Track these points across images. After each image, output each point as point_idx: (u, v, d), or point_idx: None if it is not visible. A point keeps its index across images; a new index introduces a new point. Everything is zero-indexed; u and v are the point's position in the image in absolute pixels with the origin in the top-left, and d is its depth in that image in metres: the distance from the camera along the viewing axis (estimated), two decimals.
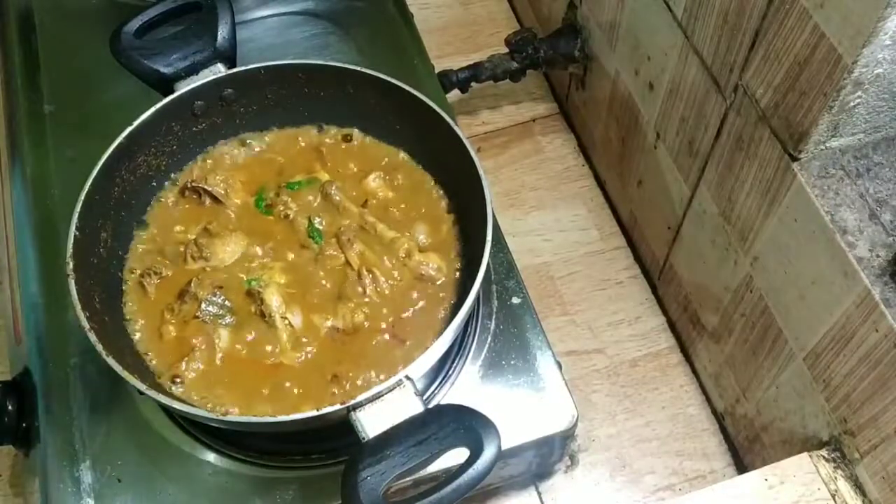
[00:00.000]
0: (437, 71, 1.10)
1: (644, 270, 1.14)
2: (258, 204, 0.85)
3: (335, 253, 0.81)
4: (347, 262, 0.80)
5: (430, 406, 0.74)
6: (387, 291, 0.79)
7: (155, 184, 0.85)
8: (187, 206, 0.85)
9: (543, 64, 1.16)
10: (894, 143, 0.72)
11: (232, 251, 0.81)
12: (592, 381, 1.05)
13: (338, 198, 0.84)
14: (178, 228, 0.84)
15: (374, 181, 0.85)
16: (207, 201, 0.85)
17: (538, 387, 0.83)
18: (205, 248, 0.80)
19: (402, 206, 0.85)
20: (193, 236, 0.82)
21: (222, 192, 0.84)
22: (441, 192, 0.86)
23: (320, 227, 0.83)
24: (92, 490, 0.78)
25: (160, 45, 0.83)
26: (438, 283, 0.80)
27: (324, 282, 0.80)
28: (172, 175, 0.86)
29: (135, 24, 0.84)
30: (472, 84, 1.17)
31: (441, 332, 0.71)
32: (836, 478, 0.77)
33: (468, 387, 0.83)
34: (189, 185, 0.85)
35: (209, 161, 0.87)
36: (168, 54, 0.82)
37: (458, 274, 0.81)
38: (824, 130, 0.69)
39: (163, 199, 0.85)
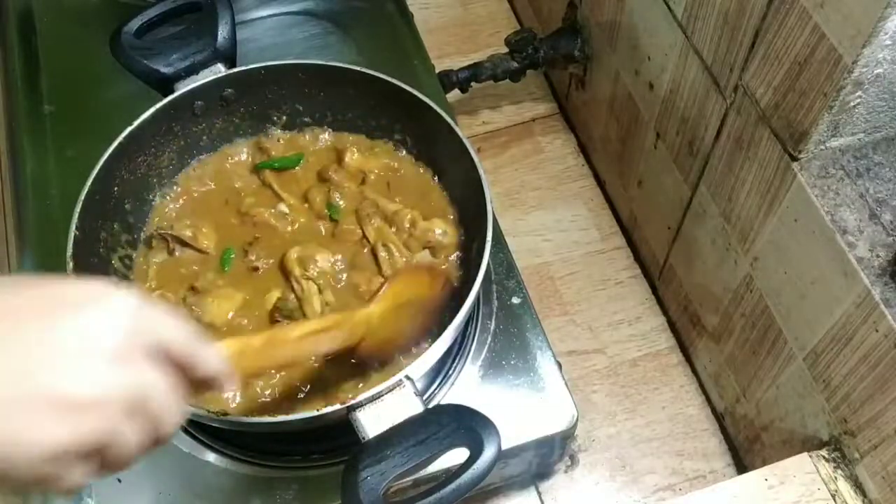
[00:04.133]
0: (437, 71, 1.10)
1: (644, 270, 1.14)
2: (224, 264, 0.81)
3: (352, 227, 0.82)
4: (364, 237, 0.82)
5: (430, 406, 0.74)
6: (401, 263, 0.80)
7: (155, 184, 0.85)
8: (160, 259, 0.82)
9: (543, 64, 1.16)
10: (894, 143, 0.72)
11: (225, 309, 0.78)
12: (592, 381, 1.05)
13: (336, 177, 0.84)
14: (156, 289, 0.80)
15: (351, 158, 0.85)
16: (177, 250, 0.82)
17: (538, 387, 0.83)
18: (195, 307, 0.78)
19: (399, 184, 0.85)
20: (182, 294, 0.79)
21: (191, 235, 0.81)
22: (442, 190, 0.86)
23: (340, 204, 0.83)
24: (92, 490, 0.78)
25: (160, 45, 0.83)
26: (449, 253, 0.81)
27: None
28: (172, 176, 0.86)
29: (135, 24, 0.84)
30: (472, 84, 1.17)
31: (441, 332, 0.71)
32: (836, 478, 0.77)
33: (468, 387, 0.83)
34: (156, 234, 0.82)
35: (208, 164, 0.87)
36: (168, 54, 0.82)
37: (460, 263, 0.81)
38: (824, 130, 0.69)
39: (136, 258, 0.82)
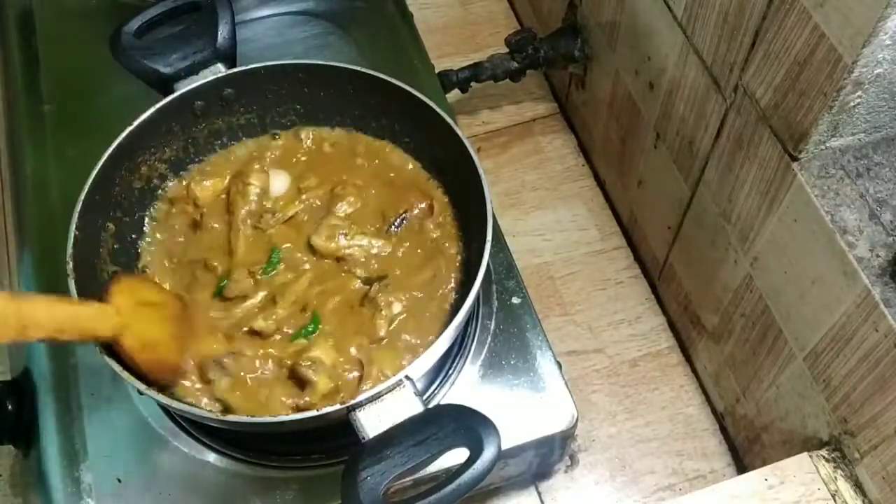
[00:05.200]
0: (437, 71, 1.10)
1: (644, 270, 1.14)
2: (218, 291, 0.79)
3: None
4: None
5: (430, 406, 0.74)
6: None
7: (156, 184, 0.85)
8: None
9: (543, 64, 1.16)
10: (894, 143, 0.72)
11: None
12: (592, 381, 1.05)
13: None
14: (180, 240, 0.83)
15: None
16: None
17: (538, 387, 0.83)
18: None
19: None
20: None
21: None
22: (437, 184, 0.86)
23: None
24: (92, 490, 0.78)
25: (160, 45, 0.83)
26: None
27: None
28: (172, 177, 0.86)
29: (135, 24, 0.84)
30: (472, 84, 1.17)
31: (441, 332, 0.71)
32: (836, 478, 0.77)
33: (468, 387, 0.83)
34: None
35: (208, 168, 0.87)
36: (168, 54, 0.82)
37: (457, 274, 0.81)
38: (824, 130, 0.69)
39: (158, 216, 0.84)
